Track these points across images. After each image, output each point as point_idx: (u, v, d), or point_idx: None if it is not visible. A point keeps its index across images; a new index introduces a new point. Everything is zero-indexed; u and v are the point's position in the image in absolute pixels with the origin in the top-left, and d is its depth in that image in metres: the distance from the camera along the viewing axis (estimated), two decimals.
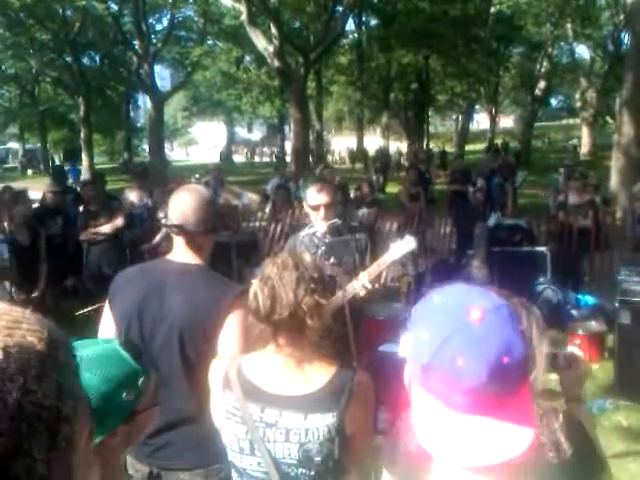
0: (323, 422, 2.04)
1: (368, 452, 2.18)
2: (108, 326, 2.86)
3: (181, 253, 2.86)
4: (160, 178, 18.10)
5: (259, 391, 2.10)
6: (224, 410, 2.15)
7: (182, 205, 2.82)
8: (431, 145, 39.57)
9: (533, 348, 1.82)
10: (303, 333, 2.05)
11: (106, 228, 7.94)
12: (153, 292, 2.77)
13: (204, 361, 2.58)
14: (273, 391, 2.08)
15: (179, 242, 2.86)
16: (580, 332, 7.10)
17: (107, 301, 2.91)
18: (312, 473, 2.06)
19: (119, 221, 8.05)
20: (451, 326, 1.14)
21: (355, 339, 3.57)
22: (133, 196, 9.16)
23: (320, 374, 2.11)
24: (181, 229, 2.81)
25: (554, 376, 1.95)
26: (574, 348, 1.92)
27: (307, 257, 2.19)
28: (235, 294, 2.69)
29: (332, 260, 4.02)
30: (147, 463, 2.76)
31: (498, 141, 43.62)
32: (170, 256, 2.91)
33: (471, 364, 1.10)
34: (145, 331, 2.75)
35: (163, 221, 2.89)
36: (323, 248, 4.18)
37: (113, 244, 8.00)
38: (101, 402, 1.79)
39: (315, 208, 4.25)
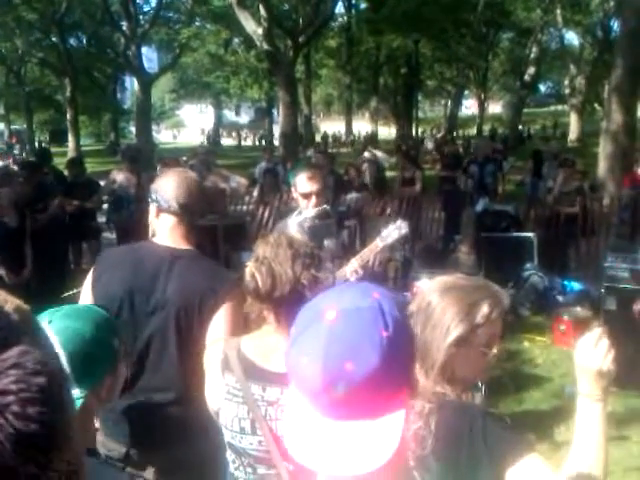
0: None
1: None
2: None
3: (170, 237, 2.81)
4: (147, 161, 17.98)
5: (260, 370, 2.11)
6: (224, 392, 2.16)
7: (177, 188, 2.78)
8: (420, 130, 39.52)
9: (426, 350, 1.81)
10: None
11: None
12: (145, 277, 2.73)
13: (198, 348, 2.58)
14: (274, 369, 2.08)
15: (168, 225, 2.81)
16: (566, 318, 7.15)
17: (89, 280, 2.83)
18: None
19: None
20: (305, 325, 1.13)
21: None
22: (120, 177, 9.12)
23: None
24: (179, 211, 2.77)
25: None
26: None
27: (296, 234, 2.22)
28: (231, 283, 2.69)
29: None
30: (124, 443, 2.72)
31: (487, 127, 43.70)
32: (158, 239, 2.84)
33: (311, 366, 1.06)
34: (138, 316, 2.71)
35: (158, 204, 2.80)
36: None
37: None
38: (95, 347, 1.85)
39: (306, 196, 4.21)
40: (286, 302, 2.05)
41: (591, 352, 1.72)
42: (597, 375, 1.71)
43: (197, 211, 2.86)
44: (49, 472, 0.66)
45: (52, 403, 0.64)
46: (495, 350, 1.88)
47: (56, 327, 1.80)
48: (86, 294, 2.84)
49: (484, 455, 1.61)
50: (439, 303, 1.86)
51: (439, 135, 31.84)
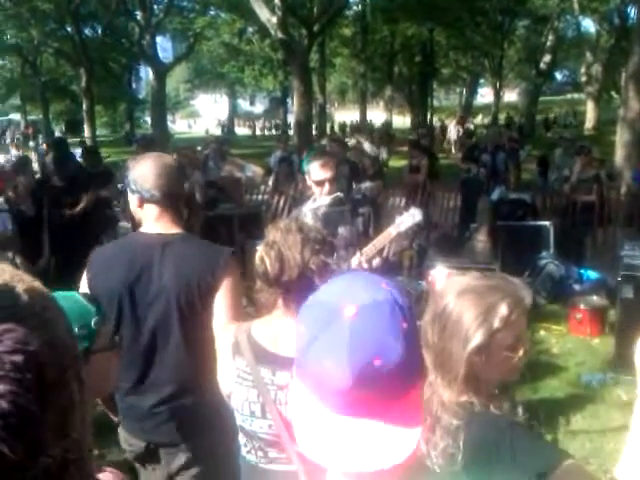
0: None
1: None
2: None
3: (158, 224, 2.77)
4: (163, 150, 18.02)
5: (270, 355, 2.13)
6: (235, 376, 2.17)
7: (158, 176, 2.74)
8: (435, 119, 39.33)
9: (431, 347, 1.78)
10: (312, 294, 2.07)
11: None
12: (140, 269, 2.68)
13: (205, 331, 2.59)
14: (284, 354, 2.10)
15: (154, 214, 2.77)
16: (582, 306, 7.13)
17: (84, 282, 2.78)
18: None
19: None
20: (322, 323, 1.06)
21: None
22: None
23: None
24: (163, 200, 2.74)
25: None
26: None
27: (307, 220, 2.23)
28: (225, 257, 2.68)
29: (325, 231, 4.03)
30: (144, 438, 2.75)
31: (502, 115, 43.42)
32: (146, 229, 2.80)
33: (337, 366, 1.01)
34: (139, 309, 2.68)
35: (140, 194, 2.74)
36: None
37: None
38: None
39: (319, 183, 4.21)
40: (295, 287, 2.08)
41: None
42: None
43: (180, 195, 2.84)
44: (38, 456, 0.64)
45: (26, 383, 0.63)
46: (522, 352, 1.79)
47: None
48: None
49: (514, 470, 1.57)
50: (454, 308, 1.79)
51: (460, 124, 31.53)
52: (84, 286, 2.77)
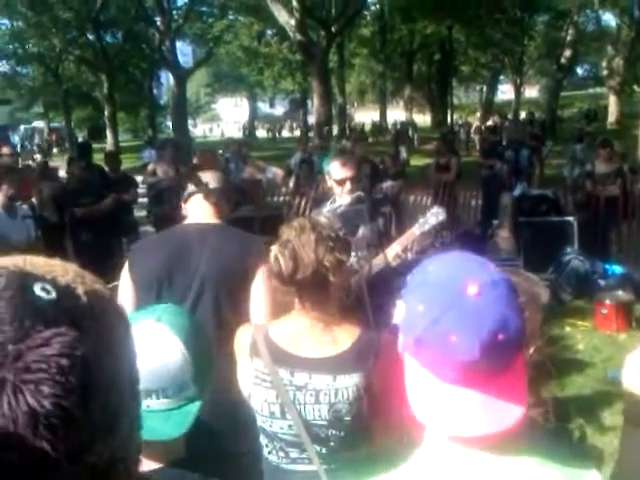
0: (352, 382, 2.08)
1: (397, 416, 2.19)
2: (128, 296, 2.82)
3: (198, 215, 2.95)
4: (185, 155, 18.12)
5: (288, 355, 2.13)
6: (253, 376, 2.18)
7: (214, 173, 3.05)
8: (455, 118, 39.10)
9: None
10: (327, 293, 2.10)
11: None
12: (179, 255, 2.82)
13: (241, 317, 2.65)
14: (301, 354, 2.11)
15: (195, 206, 2.97)
16: (607, 302, 7.06)
17: (125, 271, 2.90)
18: (342, 434, 2.10)
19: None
20: (446, 300, 1.12)
21: (375, 312, 3.55)
22: (159, 170, 9.17)
23: (346, 335, 2.15)
24: (203, 191, 2.94)
25: None
26: None
27: (322, 219, 2.23)
28: (259, 245, 2.80)
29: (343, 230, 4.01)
30: None
31: (523, 112, 43.11)
32: (189, 220, 3.00)
33: (464, 341, 1.08)
34: (177, 293, 2.77)
35: (197, 188, 2.98)
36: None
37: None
38: (209, 344, 1.80)
39: (340, 182, 4.19)
40: (309, 285, 2.07)
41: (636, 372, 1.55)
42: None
43: (220, 189, 3.01)
44: (78, 463, 0.66)
45: (70, 386, 0.64)
46: (532, 350, 1.75)
47: (169, 323, 1.66)
48: (125, 282, 2.89)
49: None
50: None
51: (486, 122, 31.33)
52: (125, 274, 2.89)
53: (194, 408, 1.61)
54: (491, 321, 1.09)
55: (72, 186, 7.93)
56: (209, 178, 3.00)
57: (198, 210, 2.96)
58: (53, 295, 0.69)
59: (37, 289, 0.69)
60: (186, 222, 3.01)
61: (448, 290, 1.13)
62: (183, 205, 3.04)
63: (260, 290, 2.72)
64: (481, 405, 1.12)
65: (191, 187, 2.98)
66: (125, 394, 0.75)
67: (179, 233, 2.98)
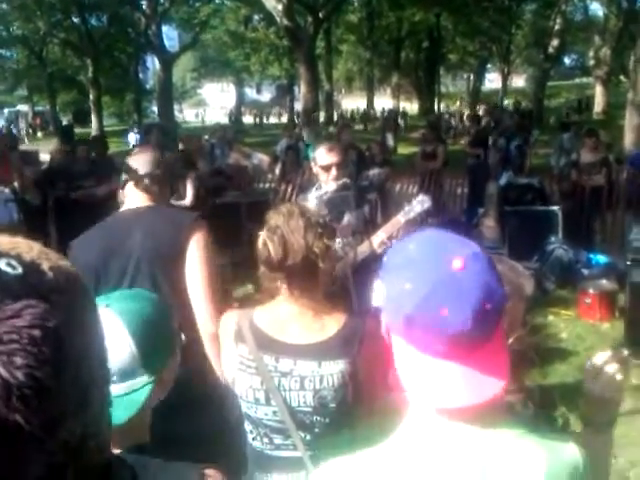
0: (337, 368, 2.08)
1: (381, 401, 2.18)
2: None
3: (132, 200, 2.97)
4: (169, 139, 18.03)
5: (272, 341, 2.12)
6: (237, 362, 2.17)
7: (132, 157, 3.06)
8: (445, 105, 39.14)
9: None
10: (316, 279, 2.10)
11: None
12: (113, 241, 2.83)
13: (182, 296, 2.67)
14: (287, 340, 2.10)
15: (129, 191, 3.00)
16: (591, 291, 7.09)
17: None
18: (327, 420, 2.09)
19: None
20: (434, 276, 1.14)
21: (360, 299, 3.55)
22: None
23: (332, 322, 2.15)
24: (133, 177, 2.97)
25: None
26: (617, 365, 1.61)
27: (309, 205, 2.22)
28: (192, 218, 2.87)
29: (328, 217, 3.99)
30: None
31: (510, 101, 43.19)
32: (124, 207, 3.02)
33: (456, 313, 1.11)
34: (113, 279, 2.76)
35: (128, 174, 3.00)
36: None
37: None
38: (159, 329, 1.73)
39: (326, 168, 4.18)
40: (299, 271, 2.07)
41: (597, 377, 1.58)
42: (600, 403, 1.59)
43: (150, 174, 3.00)
44: (51, 438, 0.66)
45: (43, 357, 0.64)
46: (511, 339, 1.70)
47: (117, 309, 1.66)
48: None
49: None
50: None
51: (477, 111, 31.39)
52: None
53: (143, 394, 1.61)
54: (479, 291, 1.13)
55: (55, 169, 7.84)
56: (139, 164, 2.99)
57: (133, 196, 2.98)
58: (19, 270, 0.69)
59: (2, 264, 0.68)
60: (122, 209, 3.02)
61: (434, 266, 1.16)
62: (121, 191, 3.06)
63: (194, 261, 2.73)
64: (463, 377, 1.15)
65: (124, 174, 3.00)
66: (95, 369, 0.75)
67: (114, 220, 3.00)
